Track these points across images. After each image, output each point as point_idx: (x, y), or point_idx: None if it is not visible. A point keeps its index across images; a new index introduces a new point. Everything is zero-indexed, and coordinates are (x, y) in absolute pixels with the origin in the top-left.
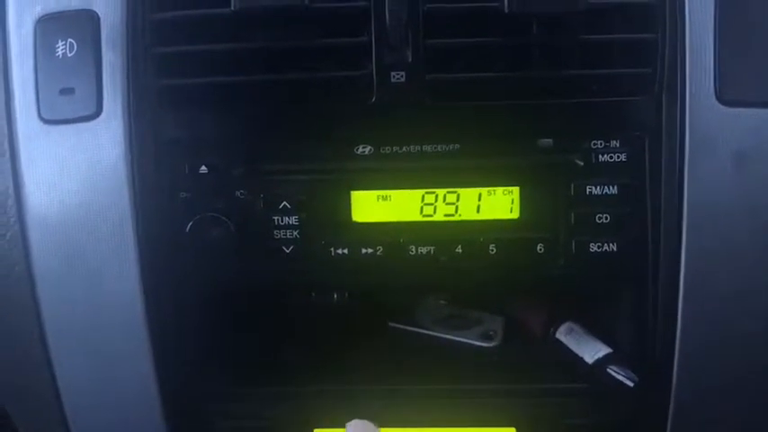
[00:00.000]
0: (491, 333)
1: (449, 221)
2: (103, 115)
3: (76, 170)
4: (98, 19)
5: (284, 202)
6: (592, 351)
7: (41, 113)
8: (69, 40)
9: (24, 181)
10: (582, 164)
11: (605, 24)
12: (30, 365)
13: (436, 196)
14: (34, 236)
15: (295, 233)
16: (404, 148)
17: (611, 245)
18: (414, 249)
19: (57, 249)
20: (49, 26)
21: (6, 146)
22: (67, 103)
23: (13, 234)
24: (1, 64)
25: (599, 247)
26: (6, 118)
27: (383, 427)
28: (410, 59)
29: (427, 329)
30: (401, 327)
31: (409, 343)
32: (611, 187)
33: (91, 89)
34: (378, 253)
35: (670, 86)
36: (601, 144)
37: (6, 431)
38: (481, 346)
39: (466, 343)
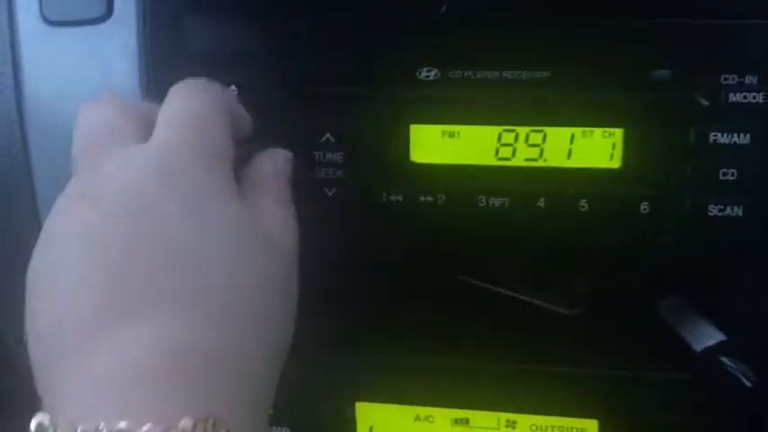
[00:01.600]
0: (577, 296)
1: (531, 167)
2: (114, 18)
3: (82, 82)
4: None
5: (327, 134)
6: (701, 336)
7: (44, 13)
8: None
9: (26, 92)
10: (707, 103)
11: None
12: None
13: (516, 135)
14: (36, 158)
15: (339, 172)
16: (478, 74)
17: (735, 208)
18: (484, 200)
19: (59, 180)
20: None
21: (9, 51)
22: (73, 2)
23: (18, 149)
24: None
25: (720, 210)
26: (8, 18)
27: (432, 406)
28: None
29: (502, 286)
30: (471, 281)
31: (478, 302)
32: (742, 135)
33: None
34: (439, 202)
35: None
36: (733, 79)
37: None
38: (564, 313)
39: (546, 307)
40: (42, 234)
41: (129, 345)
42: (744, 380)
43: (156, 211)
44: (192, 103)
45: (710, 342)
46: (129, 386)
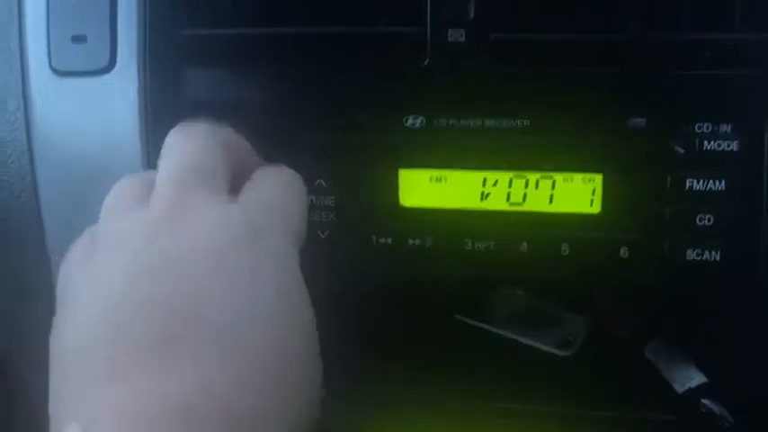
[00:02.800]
0: (569, 338)
1: (514, 212)
2: (117, 69)
3: (87, 131)
4: None
5: (320, 179)
6: (683, 378)
7: (53, 64)
8: None
9: (35, 141)
10: (682, 151)
11: None
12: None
13: (499, 180)
14: (45, 200)
15: (331, 216)
16: (462, 122)
17: (713, 253)
18: (470, 243)
19: (66, 218)
20: None
21: (21, 99)
22: (80, 53)
23: (28, 195)
24: (16, 7)
25: (698, 255)
26: (20, 69)
27: None
28: (472, 14)
29: (496, 326)
30: (467, 320)
31: (472, 341)
32: (717, 182)
33: (104, 37)
34: (427, 245)
35: None
36: (707, 128)
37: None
38: (556, 354)
39: (538, 348)
40: (96, 239)
41: (179, 385)
42: (723, 421)
43: (232, 270)
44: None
45: (692, 384)
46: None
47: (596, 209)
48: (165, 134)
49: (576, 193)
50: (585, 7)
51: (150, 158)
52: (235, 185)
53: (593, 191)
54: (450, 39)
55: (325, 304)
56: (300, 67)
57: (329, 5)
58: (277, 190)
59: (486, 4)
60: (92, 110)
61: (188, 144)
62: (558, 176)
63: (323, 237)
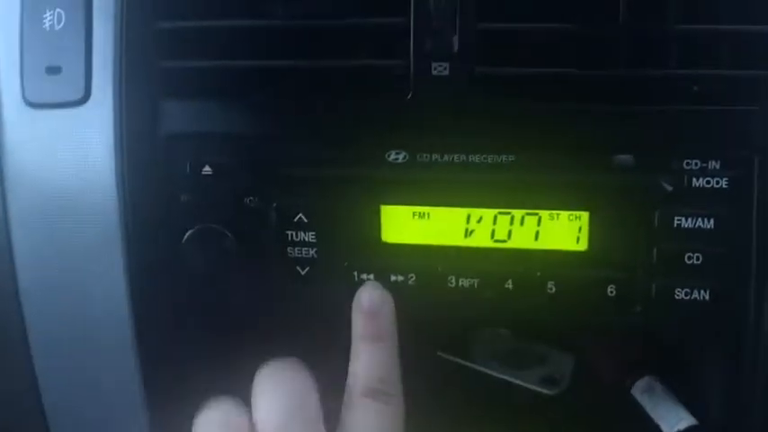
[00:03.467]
0: (555, 377)
1: (499, 249)
2: (92, 101)
3: (61, 164)
4: None
5: (300, 215)
6: (672, 419)
7: (26, 95)
8: (57, 9)
9: (7, 173)
10: (670, 188)
11: (709, 11)
12: (13, 378)
13: (483, 217)
14: (16, 235)
15: (312, 252)
16: (445, 157)
17: (702, 292)
18: (453, 280)
19: (37, 254)
20: None
21: None
22: (54, 85)
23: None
24: None
25: (687, 294)
26: None
27: None
28: (456, 47)
29: (481, 364)
30: (451, 358)
31: (457, 379)
32: (706, 220)
33: (79, 69)
34: (410, 281)
35: None
36: (696, 164)
37: None
38: (542, 393)
39: (524, 387)
40: None
41: None
42: None
43: None
44: None
45: (681, 426)
46: None
47: (583, 246)
48: (140, 166)
49: (562, 231)
50: (571, 42)
51: (125, 191)
52: None
53: (580, 228)
54: (434, 72)
55: (306, 342)
56: (281, 99)
57: (311, 38)
58: None
59: (470, 38)
60: (66, 142)
61: (285, 386)
62: (544, 213)
63: (303, 273)
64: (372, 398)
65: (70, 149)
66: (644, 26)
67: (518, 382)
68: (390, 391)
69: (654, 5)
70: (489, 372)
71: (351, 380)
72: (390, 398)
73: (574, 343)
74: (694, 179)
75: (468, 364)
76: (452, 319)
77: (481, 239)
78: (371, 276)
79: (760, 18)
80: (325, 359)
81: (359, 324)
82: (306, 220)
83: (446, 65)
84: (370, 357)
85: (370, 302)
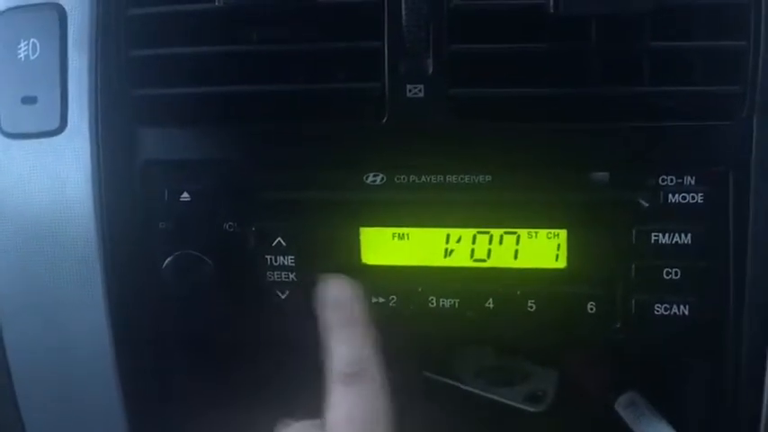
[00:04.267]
0: (539, 393)
1: (478, 269)
2: (68, 130)
3: (38, 193)
4: (65, 14)
5: (279, 239)
6: None
7: (2, 126)
8: (32, 39)
9: None
10: (647, 205)
11: (681, 28)
12: None
13: (464, 237)
14: None
15: (291, 276)
16: (423, 178)
17: (681, 307)
18: (434, 301)
19: (15, 285)
20: (12, 22)
21: None
22: (29, 115)
23: None
24: None
25: (666, 310)
26: None
27: None
28: (431, 69)
29: (465, 383)
30: (435, 378)
31: (441, 398)
32: (683, 235)
33: (54, 99)
34: (391, 303)
35: (762, 109)
36: (671, 180)
37: None
38: (527, 410)
39: (508, 404)
40: None
41: None
42: None
43: None
44: None
45: None
46: None
47: (562, 264)
48: (118, 194)
49: (540, 249)
50: (544, 62)
51: (103, 219)
52: None
53: (558, 246)
54: (409, 94)
55: (288, 367)
56: (256, 124)
57: (286, 63)
58: None
59: (444, 60)
60: (43, 172)
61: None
62: (523, 232)
63: (283, 297)
64: (351, 381)
65: (47, 179)
66: (616, 44)
67: (503, 399)
68: (367, 372)
69: (625, 24)
70: (474, 390)
71: (329, 370)
72: (368, 377)
73: (557, 359)
74: (670, 195)
75: (452, 382)
76: (435, 338)
77: (461, 259)
78: None
79: (731, 34)
80: (308, 383)
81: (327, 317)
82: (284, 244)
83: (421, 87)
84: (343, 343)
85: (334, 292)
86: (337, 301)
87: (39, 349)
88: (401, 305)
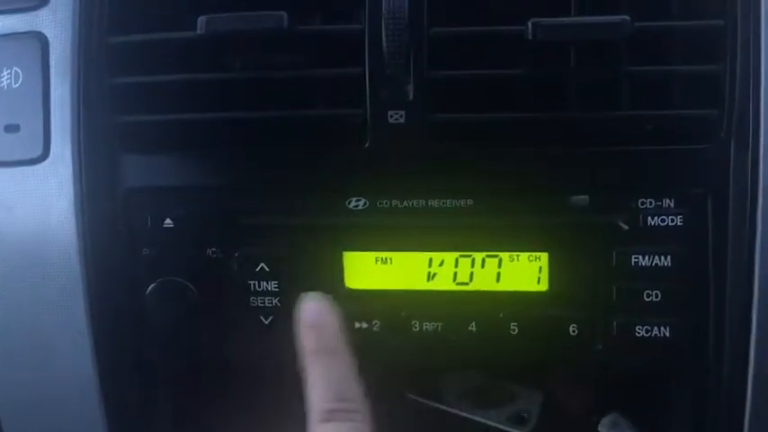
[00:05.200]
0: (524, 415)
1: (461, 292)
2: (51, 158)
3: (22, 221)
4: (47, 43)
5: (263, 264)
6: None
7: None
8: (15, 68)
9: None
10: (626, 227)
11: (657, 53)
12: None
13: (446, 260)
14: None
15: (275, 301)
16: (405, 203)
17: (662, 329)
18: (418, 325)
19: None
20: None
21: None
22: (12, 143)
23: None
24: None
25: (647, 332)
26: None
27: None
28: (411, 96)
29: (450, 405)
30: (420, 400)
31: (426, 420)
32: (663, 257)
33: (37, 127)
34: (374, 328)
35: (739, 131)
36: (650, 203)
37: None
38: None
39: (493, 426)
40: None
41: None
42: None
43: None
44: None
45: None
46: None
47: (543, 287)
48: (101, 221)
49: (522, 272)
50: (524, 87)
51: (87, 246)
52: None
53: (540, 269)
54: (390, 120)
55: (272, 393)
56: (239, 151)
57: (268, 89)
58: None
59: (424, 86)
60: (26, 199)
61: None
62: (504, 255)
63: (266, 323)
64: (333, 419)
65: (31, 206)
66: (594, 69)
67: (487, 421)
68: (351, 407)
69: (603, 49)
70: (458, 412)
71: (309, 405)
72: (352, 414)
73: (540, 381)
74: (649, 218)
75: (437, 405)
76: (419, 362)
77: (444, 283)
78: None
79: (707, 58)
80: (292, 410)
81: (305, 339)
82: (268, 270)
83: (402, 113)
84: (323, 374)
85: (313, 314)
86: (316, 323)
87: (22, 374)
88: (384, 330)
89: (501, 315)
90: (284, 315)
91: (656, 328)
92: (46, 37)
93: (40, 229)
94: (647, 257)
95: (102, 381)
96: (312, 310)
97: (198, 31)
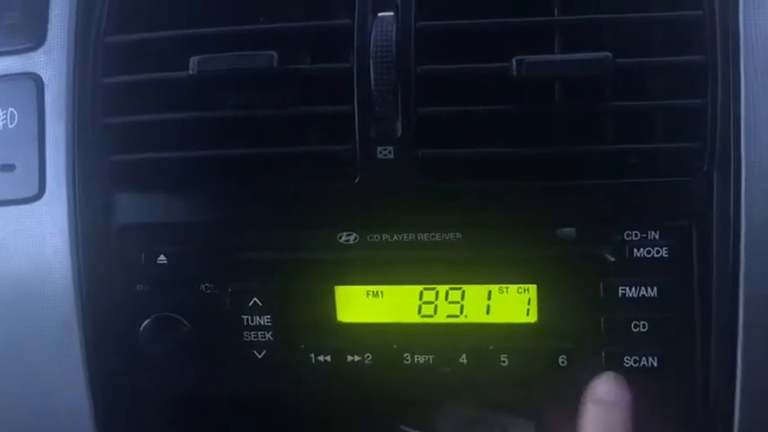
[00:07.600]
0: None
1: (452, 324)
2: (46, 197)
3: (17, 259)
4: (42, 84)
5: (255, 299)
6: None
7: None
8: (10, 109)
9: None
10: (613, 259)
11: (640, 89)
12: None
13: (437, 293)
14: None
15: (268, 335)
16: (395, 237)
17: (650, 359)
18: (409, 357)
19: None
20: None
21: None
22: (8, 182)
23: None
24: None
25: (635, 362)
26: None
27: None
28: (400, 132)
29: None
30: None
31: None
32: (649, 288)
33: (33, 167)
34: (367, 361)
35: (722, 164)
36: (636, 235)
37: None
38: None
39: None
40: None
41: None
42: None
43: None
44: None
45: None
46: None
47: (533, 318)
48: (96, 258)
49: (512, 304)
50: (511, 122)
51: (81, 283)
52: None
53: (529, 301)
54: (379, 156)
55: (266, 426)
56: (231, 187)
57: (259, 127)
58: None
59: (412, 122)
60: (22, 237)
61: None
62: (494, 288)
63: (260, 357)
64: None
65: (26, 244)
66: (578, 105)
67: None
68: None
69: (587, 85)
70: None
71: None
72: None
73: (533, 412)
74: (635, 250)
75: None
76: (411, 394)
77: (435, 316)
78: (328, 358)
79: (689, 92)
80: None
81: (592, 413)
82: (261, 304)
83: (390, 149)
84: None
85: (607, 393)
86: (610, 400)
87: (17, 411)
88: (376, 363)
89: (491, 347)
90: (277, 349)
91: (644, 358)
92: (41, 78)
93: (36, 267)
94: (633, 289)
95: (96, 415)
96: (607, 388)
97: (190, 71)
